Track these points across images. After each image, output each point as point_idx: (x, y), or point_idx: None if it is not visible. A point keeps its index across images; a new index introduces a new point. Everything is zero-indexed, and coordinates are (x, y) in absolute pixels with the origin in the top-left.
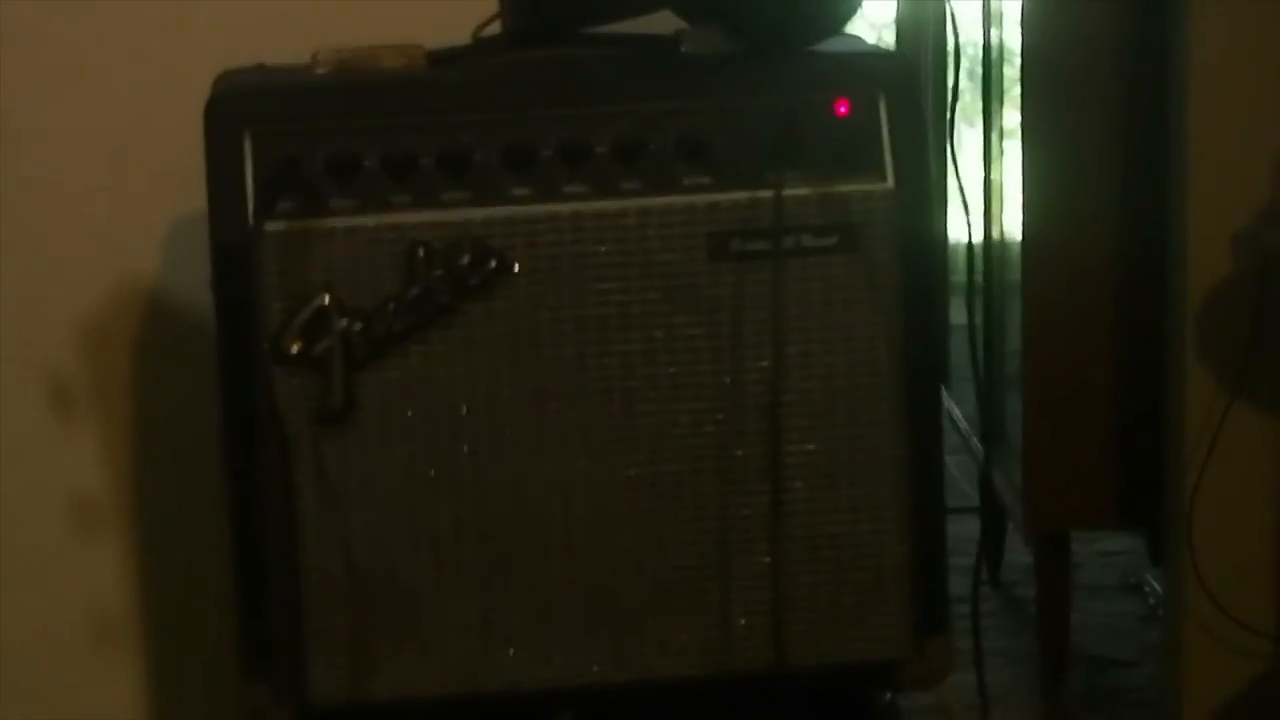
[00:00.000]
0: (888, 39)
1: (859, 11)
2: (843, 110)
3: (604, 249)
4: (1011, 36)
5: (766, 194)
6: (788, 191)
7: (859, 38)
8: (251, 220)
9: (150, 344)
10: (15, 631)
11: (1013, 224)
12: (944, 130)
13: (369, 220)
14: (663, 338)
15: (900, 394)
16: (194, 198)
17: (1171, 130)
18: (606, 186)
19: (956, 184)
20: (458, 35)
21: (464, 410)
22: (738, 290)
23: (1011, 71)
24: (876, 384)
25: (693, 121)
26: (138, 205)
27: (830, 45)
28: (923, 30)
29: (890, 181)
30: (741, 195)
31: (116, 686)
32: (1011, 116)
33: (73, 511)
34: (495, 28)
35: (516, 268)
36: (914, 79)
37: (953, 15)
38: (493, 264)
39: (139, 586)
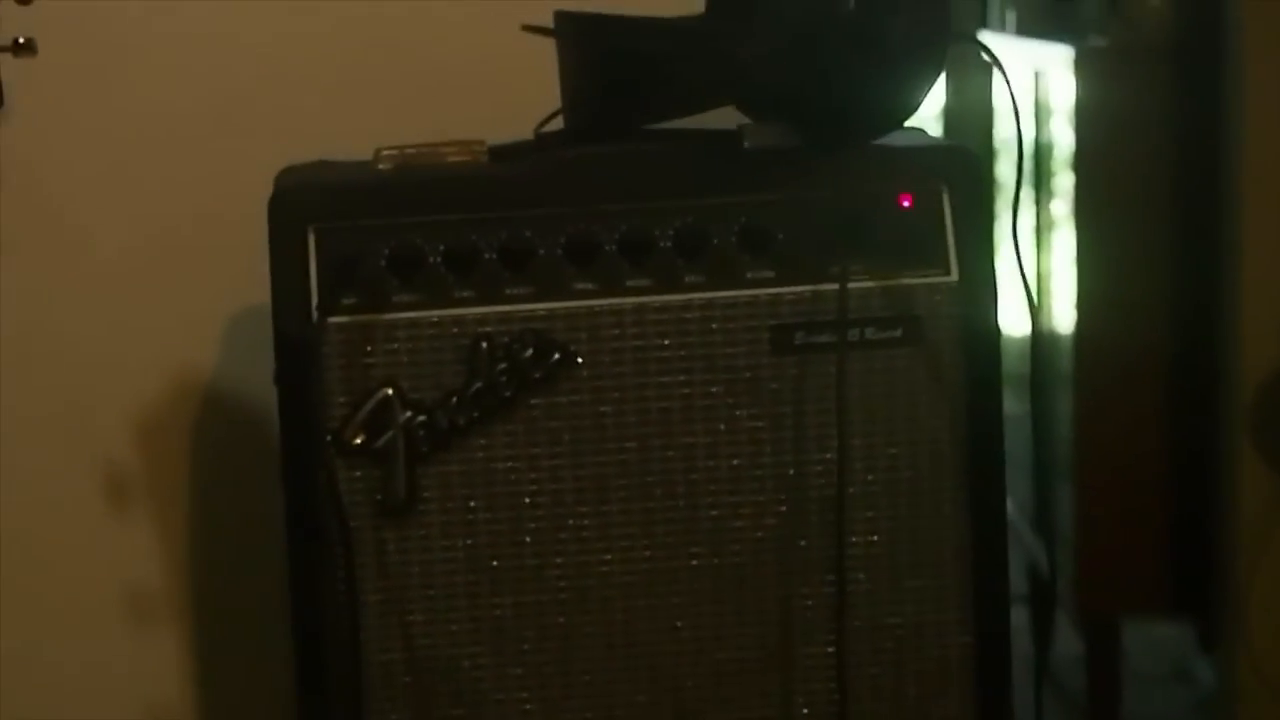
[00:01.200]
0: (935, 131)
1: (922, 105)
2: (906, 203)
3: (667, 342)
4: (1059, 130)
5: (830, 287)
6: (852, 284)
7: (922, 130)
8: (315, 314)
9: (207, 438)
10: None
11: (1060, 315)
12: (1004, 225)
13: (432, 314)
14: (726, 430)
15: (963, 485)
16: (252, 292)
17: (1224, 219)
18: (669, 280)
19: (1019, 273)
20: (519, 132)
21: (526, 502)
22: (801, 383)
23: (1058, 164)
24: (940, 475)
25: (756, 215)
26: (196, 299)
27: (893, 138)
28: (969, 124)
29: (954, 274)
30: (805, 289)
31: None
32: (1058, 207)
33: (128, 607)
34: (557, 124)
35: (579, 361)
36: (978, 171)
37: (1016, 108)
38: (556, 357)
39: (197, 683)
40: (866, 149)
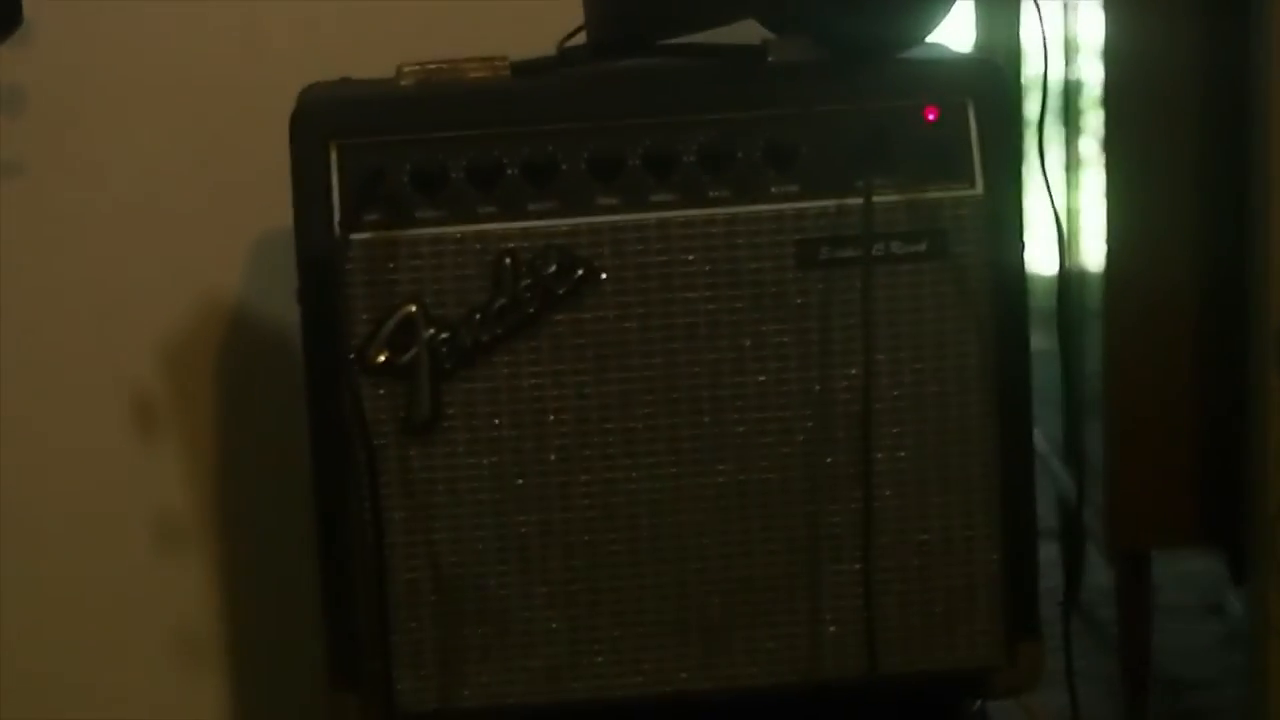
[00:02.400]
0: None
1: (946, 18)
2: (931, 116)
3: (691, 257)
4: (1088, 67)
5: (855, 201)
6: (876, 198)
7: (945, 46)
8: (338, 232)
9: (233, 359)
10: (101, 650)
11: (1090, 252)
12: (1032, 156)
13: (455, 230)
14: (751, 346)
15: (990, 401)
16: (276, 214)
17: (1252, 153)
18: (693, 195)
19: (1050, 206)
20: (542, 47)
21: (551, 419)
22: (826, 298)
23: (1086, 101)
24: (966, 391)
25: (780, 129)
26: (220, 221)
27: (918, 52)
28: (1000, 59)
29: (980, 188)
30: (830, 203)
31: (202, 703)
32: (1087, 145)
33: (157, 529)
34: (580, 39)
35: (604, 277)
36: (1003, 85)
37: (1044, 37)
38: (580, 273)
39: (225, 602)
40: (891, 62)
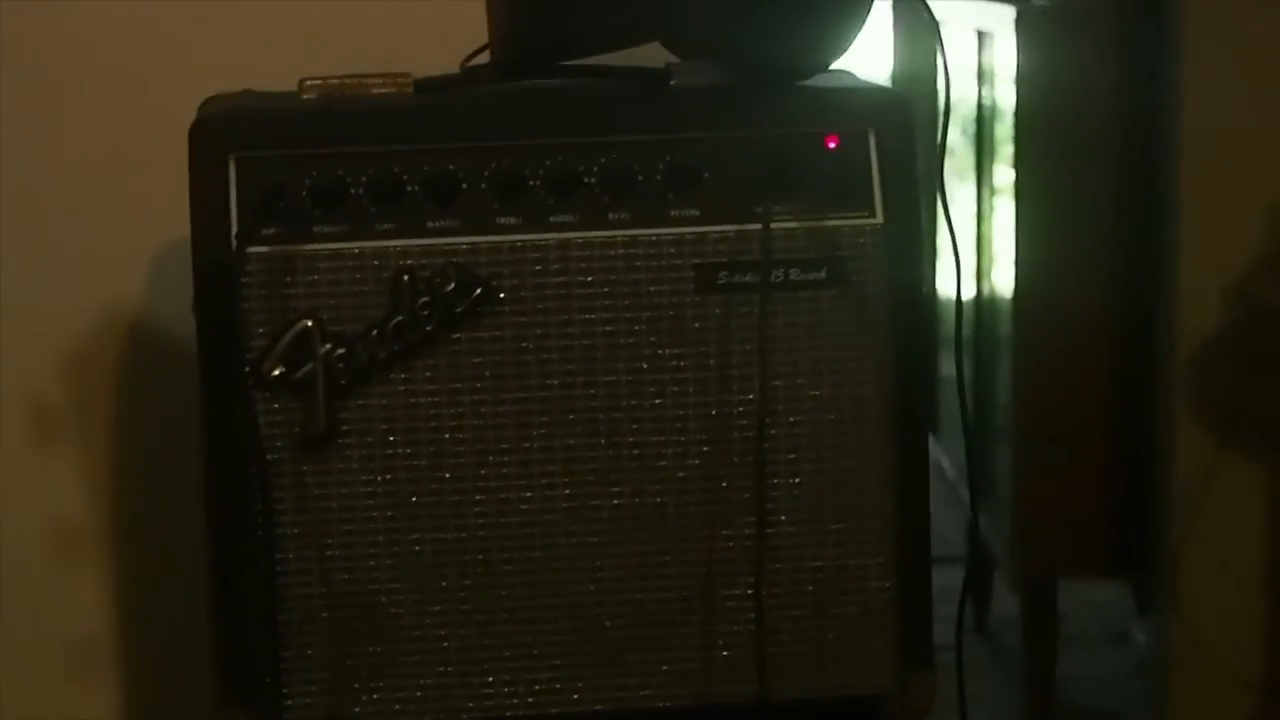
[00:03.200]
0: None
1: (850, 48)
2: (833, 144)
3: (591, 279)
4: (1004, 94)
5: (755, 227)
6: (776, 225)
7: (851, 73)
8: (235, 245)
9: (132, 371)
10: None
11: (1003, 279)
12: (936, 185)
13: (354, 246)
14: (649, 369)
15: (887, 429)
16: (178, 225)
17: (1163, 185)
18: (594, 217)
19: (950, 235)
20: (446, 66)
21: (447, 438)
22: (725, 322)
23: (1003, 129)
24: (864, 419)
25: (682, 154)
26: (121, 232)
27: (821, 80)
28: (917, 88)
29: (880, 216)
30: (730, 228)
31: (93, 715)
32: (1003, 174)
33: (52, 539)
34: (484, 58)
35: (502, 296)
36: (905, 114)
37: (944, 62)
38: (478, 292)
39: (118, 613)
40: (794, 90)
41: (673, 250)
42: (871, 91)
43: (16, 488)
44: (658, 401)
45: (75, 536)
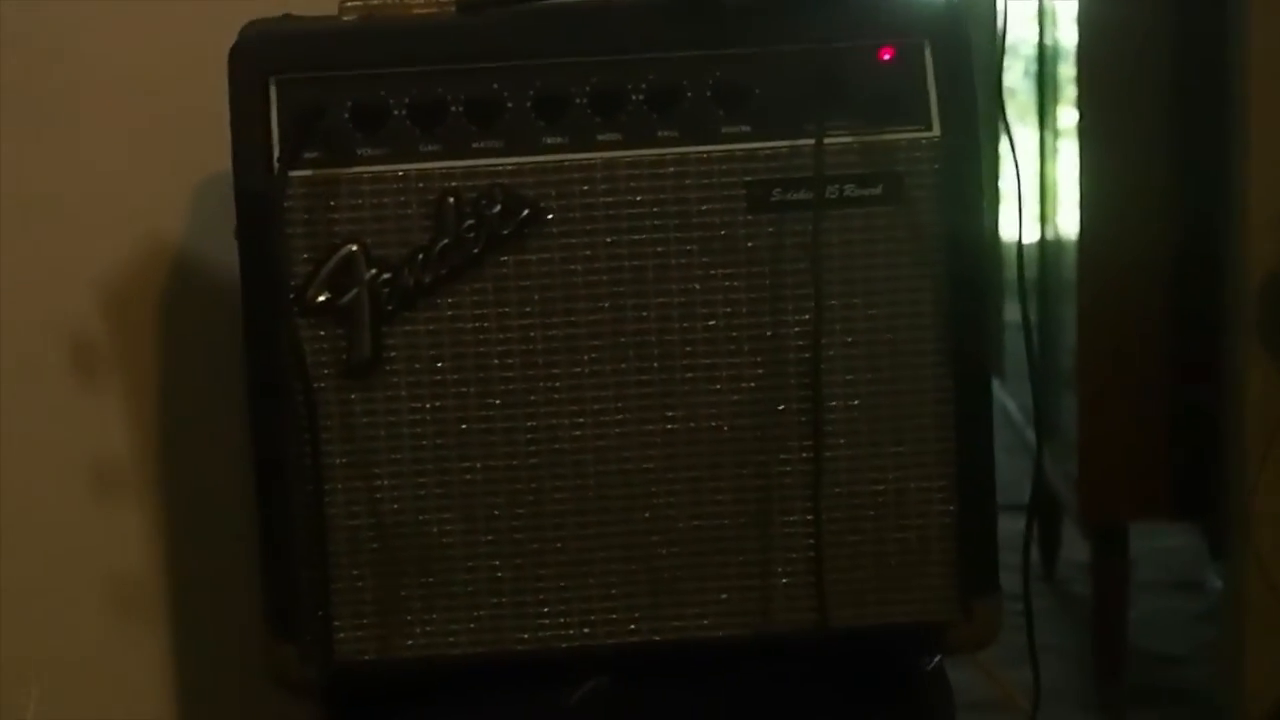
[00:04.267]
0: None
1: None
2: (887, 56)
3: (640, 199)
4: (1066, 35)
5: (807, 143)
6: (829, 140)
7: None
8: (277, 169)
9: (176, 304)
10: (37, 600)
11: (1067, 222)
12: (999, 124)
13: (397, 169)
14: (700, 290)
15: (946, 349)
16: (219, 156)
17: (1228, 122)
18: (642, 135)
19: (1014, 174)
20: None
21: (495, 363)
22: (778, 241)
23: (1066, 71)
24: (922, 338)
25: (732, 69)
26: (161, 163)
27: None
28: (977, 29)
29: (936, 130)
30: (782, 144)
31: (141, 653)
32: (1067, 116)
33: (96, 476)
34: None
35: (549, 217)
36: (961, 24)
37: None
38: (525, 213)
39: (164, 551)
40: (846, 2)
41: (723, 168)
42: (925, 2)
43: (60, 424)
44: (711, 323)
45: (119, 472)
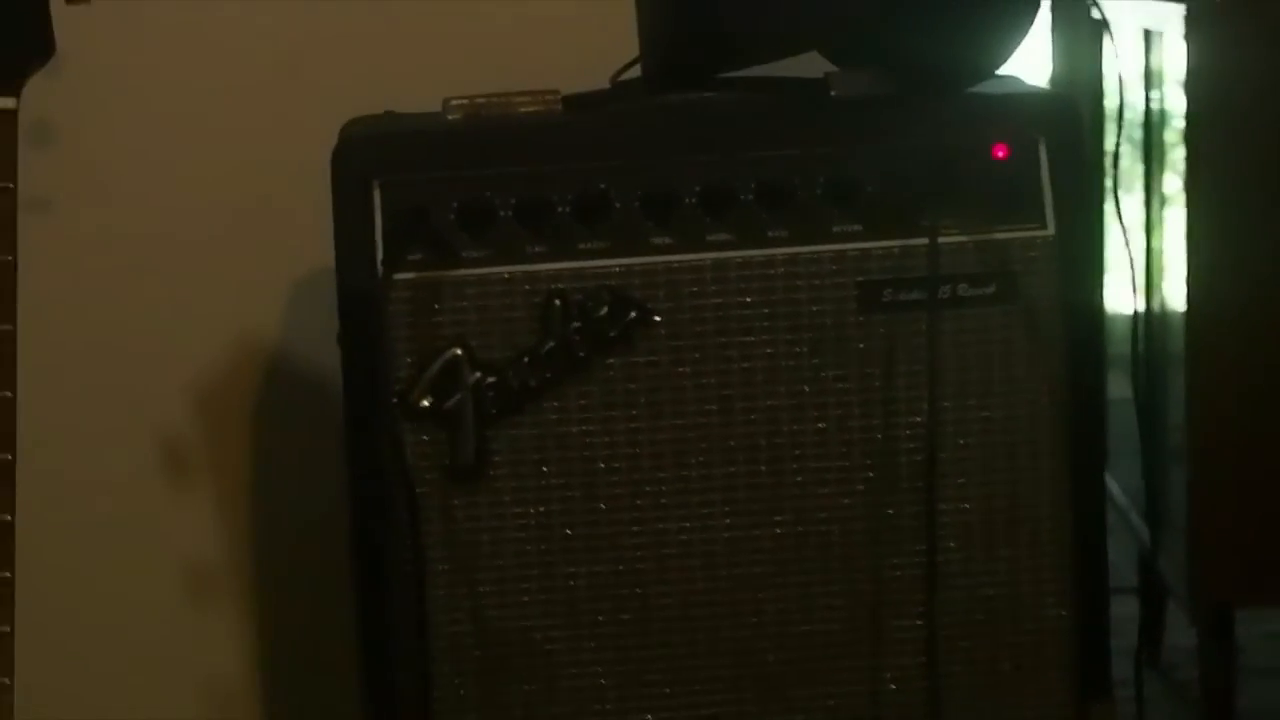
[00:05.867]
0: None
1: (1016, 52)
2: (1001, 154)
3: (749, 299)
4: (1173, 98)
5: (920, 241)
6: (943, 238)
7: (1018, 78)
8: (380, 271)
9: (269, 406)
10: (132, 703)
11: (1174, 293)
12: (1108, 194)
13: (503, 270)
14: (811, 392)
15: (1062, 452)
16: (316, 255)
17: None
18: (752, 234)
19: (1124, 245)
20: (595, 81)
21: (601, 467)
22: (890, 342)
23: (1172, 135)
24: (1036, 440)
25: (842, 167)
26: (259, 263)
27: (988, 86)
28: (1078, 94)
29: (1051, 228)
30: (894, 243)
31: None
32: (1172, 182)
33: (188, 578)
34: (634, 72)
35: (657, 319)
36: (1078, 121)
37: (1116, 67)
38: (632, 315)
39: (257, 657)
40: (960, 97)
41: (834, 268)
42: (1041, 97)
43: (153, 525)
44: (821, 425)
45: (211, 575)
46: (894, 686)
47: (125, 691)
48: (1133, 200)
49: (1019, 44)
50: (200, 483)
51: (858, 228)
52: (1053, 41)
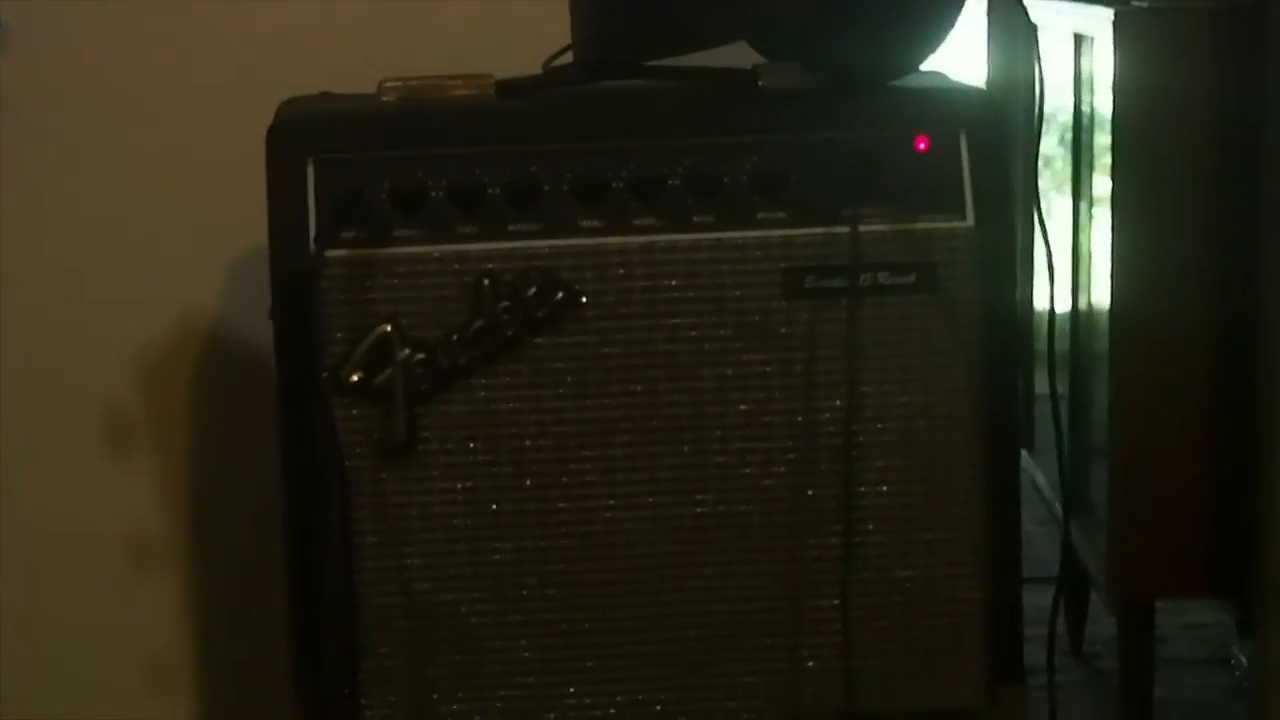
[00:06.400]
0: None
1: (940, 48)
2: (923, 146)
3: (675, 283)
4: (1103, 101)
5: (843, 230)
6: (865, 228)
7: (942, 74)
8: (313, 248)
9: (209, 379)
10: (70, 670)
11: (1100, 293)
12: (1031, 194)
13: (434, 250)
14: (734, 375)
15: (978, 437)
16: (255, 232)
17: (1265, 189)
18: (679, 220)
19: (1045, 246)
20: (528, 67)
21: (528, 445)
22: (812, 328)
23: (1103, 139)
24: (953, 426)
25: (769, 156)
26: (198, 239)
27: (911, 81)
28: (1013, 96)
29: (971, 219)
30: (817, 231)
31: None
32: (1102, 184)
33: (128, 549)
34: (566, 59)
35: (585, 300)
36: (997, 115)
37: (1040, 70)
38: (560, 296)
39: (195, 624)
40: (883, 91)
41: (759, 254)
42: (962, 92)
43: (93, 496)
44: (743, 408)
45: (151, 544)
46: (812, 665)
47: (62, 656)
48: (1064, 202)
49: (942, 41)
50: (141, 453)
51: (782, 215)
52: (988, 45)
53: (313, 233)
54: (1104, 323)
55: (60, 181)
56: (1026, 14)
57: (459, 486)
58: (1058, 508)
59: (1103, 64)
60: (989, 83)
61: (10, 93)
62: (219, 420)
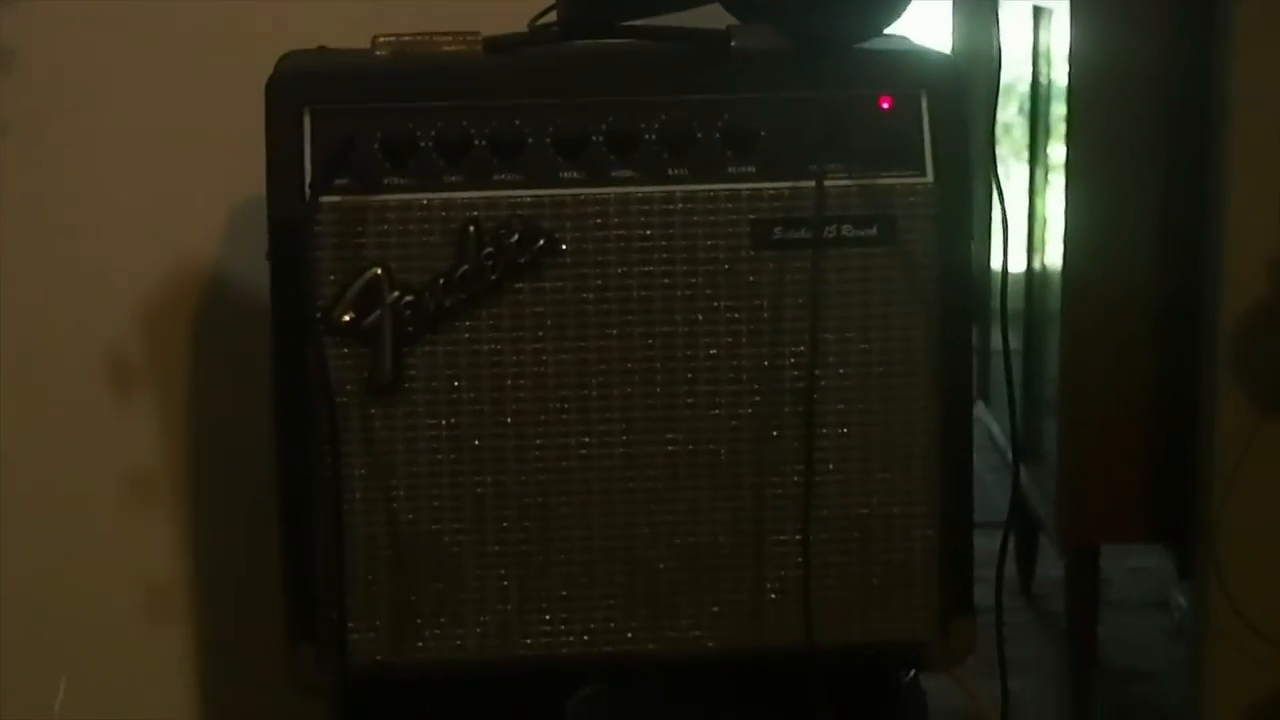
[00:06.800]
0: None
1: (903, 13)
2: (886, 105)
3: (649, 233)
4: (1060, 74)
5: (809, 184)
6: (830, 182)
7: (905, 38)
8: (308, 194)
9: (208, 323)
10: (71, 605)
11: (1055, 255)
12: (989, 158)
13: (422, 197)
14: (704, 321)
15: (934, 383)
16: (253, 181)
17: (1211, 158)
18: (654, 173)
19: (1000, 207)
20: (514, 25)
21: (509, 384)
22: (779, 277)
23: (1060, 108)
24: (911, 373)
25: (740, 114)
26: (198, 187)
27: (877, 44)
28: (976, 66)
29: (930, 176)
30: (785, 185)
31: (168, 656)
32: (1058, 152)
33: (129, 487)
34: (551, 19)
35: (564, 248)
36: (957, 77)
37: (999, 39)
38: (541, 243)
39: (192, 556)
40: (849, 53)
41: (729, 206)
42: (924, 55)
43: (95, 435)
44: (712, 352)
45: (150, 482)
46: (774, 597)
47: (65, 592)
48: (1022, 168)
49: (906, 6)
50: (142, 395)
51: (752, 170)
52: (953, 16)
53: (308, 180)
54: (1056, 282)
55: (63, 128)
56: None
57: (443, 423)
58: (1010, 456)
59: (1060, 37)
60: (953, 53)
61: (18, 45)
62: (218, 361)
